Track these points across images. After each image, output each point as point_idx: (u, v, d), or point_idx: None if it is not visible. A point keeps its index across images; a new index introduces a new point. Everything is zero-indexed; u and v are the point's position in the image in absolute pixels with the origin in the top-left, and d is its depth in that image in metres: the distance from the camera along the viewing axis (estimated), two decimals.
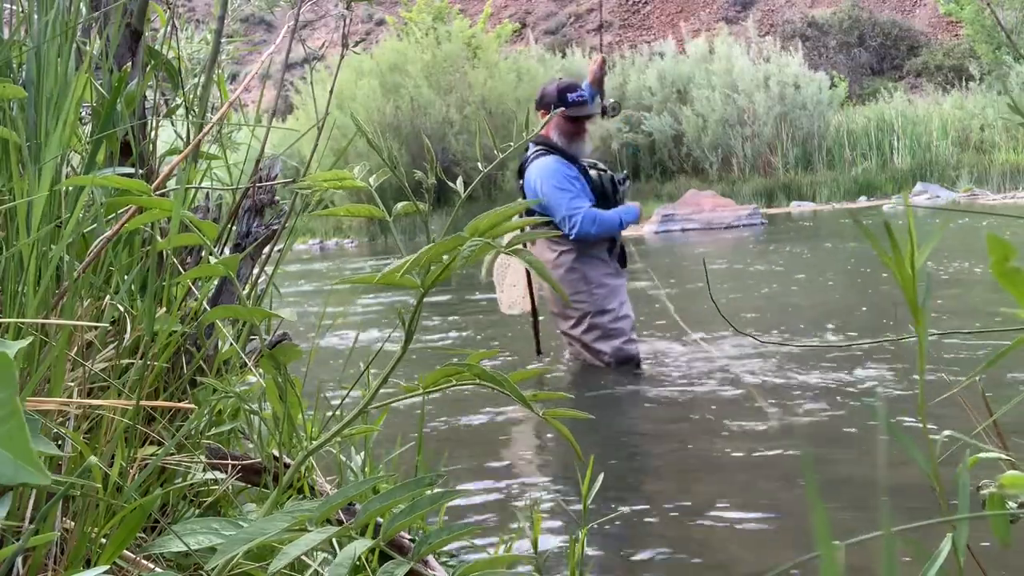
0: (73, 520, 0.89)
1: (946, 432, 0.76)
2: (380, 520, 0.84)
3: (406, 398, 0.90)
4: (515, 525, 1.86)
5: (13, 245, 0.93)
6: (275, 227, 1.30)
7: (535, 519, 1.28)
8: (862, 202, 14.28)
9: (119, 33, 1.29)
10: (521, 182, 3.71)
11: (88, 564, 0.87)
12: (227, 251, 1.29)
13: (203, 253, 1.12)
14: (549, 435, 2.71)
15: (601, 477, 1.30)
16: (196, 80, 1.52)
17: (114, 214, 1.12)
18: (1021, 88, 15.61)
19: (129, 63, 1.32)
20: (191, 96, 1.41)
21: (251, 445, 1.30)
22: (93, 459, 0.76)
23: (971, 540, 0.71)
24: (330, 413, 1.25)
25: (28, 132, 1.02)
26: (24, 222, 0.92)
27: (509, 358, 3.94)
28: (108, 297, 1.11)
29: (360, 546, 0.78)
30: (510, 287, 3.82)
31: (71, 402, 0.90)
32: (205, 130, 1.16)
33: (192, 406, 1.04)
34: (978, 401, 0.90)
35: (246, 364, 1.12)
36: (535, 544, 1.28)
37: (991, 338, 3.43)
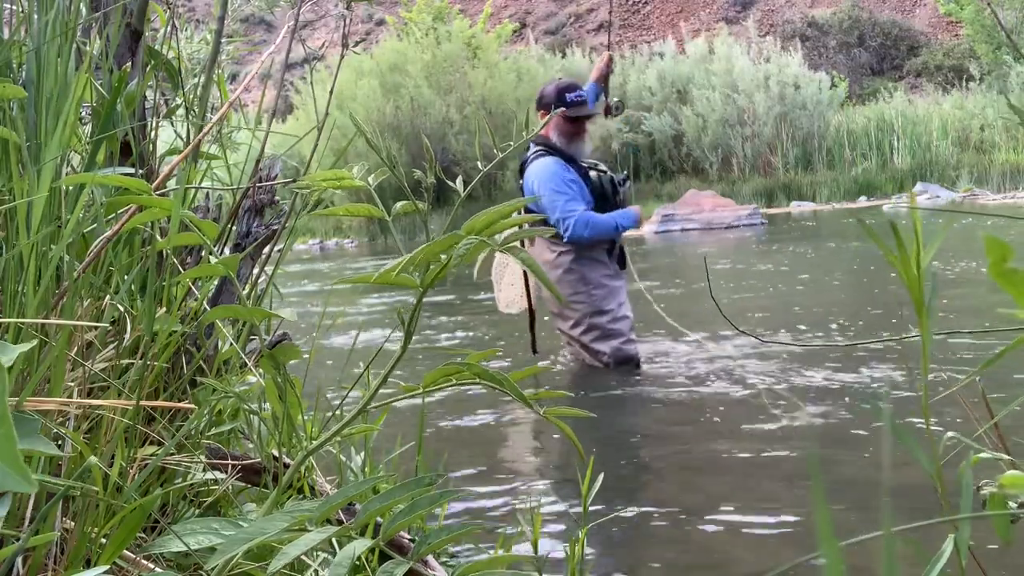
0: (73, 520, 0.89)
1: (950, 433, 0.76)
2: (380, 520, 0.84)
3: (406, 397, 0.90)
4: (515, 526, 1.86)
5: (13, 245, 0.93)
6: (275, 227, 1.30)
7: (535, 519, 1.28)
8: (862, 202, 14.28)
9: (119, 33, 1.29)
10: (521, 182, 3.71)
11: (88, 564, 0.87)
12: (227, 251, 1.29)
13: (203, 253, 1.12)
14: (549, 436, 2.71)
15: (601, 477, 1.30)
16: (196, 80, 1.52)
17: (114, 214, 1.12)
18: (1021, 88, 15.61)
19: (129, 63, 1.32)
20: (191, 96, 1.41)
21: (251, 445, 1.30)
22: (93, 459, 0.76)
23: (971, 540, 0.71)
24: (330, 413, 1.25)
25: (28, 132, 1.02)
26: (24, 222, 0.92)
27: (507, 358, 3.94)
28: (108, 297, 1.11)
29: (359, 546, 0.78)
30: (508, 286, 3.82)
31: (71, 402, 0.90)
32: (205, 130, 1.16)
33: (192, 406, 1.04)
34: (981, 401, 0.90)
35: (246, 364, 1.12)
36: (535, 544, 1.28)
37: (995, 338, 3.43)
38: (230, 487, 1.13)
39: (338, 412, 1.13)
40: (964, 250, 6.55)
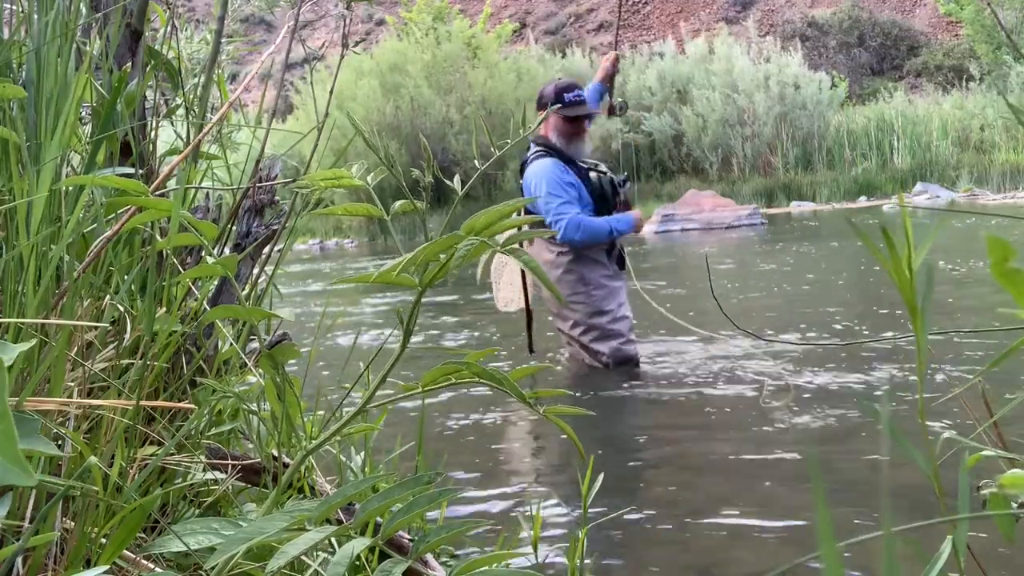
0: (73, 520, 0.89)
1: (946, 434, 0.76)
2: (380, 519, 0.84)
3: (405, 397, 0.90)
4: (515, 525, 1.86)
5: (13, 245, 0.93)
6: (275, 227, 1.30)
7: (535, 519, 1.28)
8: (862, 202, 14.28)
9: (119, 33, 1.30)
10: (521, 182, 3.71)
11: (88, 564, 0.87)
12: (227, 251, 1.29)
13: (203, 253, 1.12)
14: (549, 436, 2.71)
15: (601, 477, 1.30)
16: (196, 80, 1.52)
17: (114, 214, 1.12)
18: (1021, 88, 15.61)
19: (129, 63, 1.32)
20: (191, 96, 1.41)
21: (251, 445, 1.30)
22: (93, 459, 0.76)
23: (971, 540, 0.71)
24: (330, 413, 1.25)
25: (28, 132, 1.02)
26: (24, 222, 0.92)
27: (510, 358, 3.93)
28: (108, 297, 1.11)
29: (359, 545, 0.78)
30: (507, 285, 3.82)
31: (71, 402, 0.90)
32: (205, 130, 1.16)
33: (192, 406, 1.04)
34: (984, 401, 0.90)
35: (246, 364, 1.12)
36: (535, 544, 1.28)
37: (998, 337, 3.43)
38: (230, 487, 1.13)
39: (338, 412, 1.13)
40: (972, 250, 6.55)
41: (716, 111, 16.06)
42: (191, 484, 1.10)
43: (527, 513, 1.97)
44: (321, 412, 1.47)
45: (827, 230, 10.38)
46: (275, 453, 1.09)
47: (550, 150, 3.57)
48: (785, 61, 16.35)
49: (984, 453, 0.72)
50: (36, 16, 1.08)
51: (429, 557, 1.12)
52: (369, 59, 16.41)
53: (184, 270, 1.19)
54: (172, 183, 1.09)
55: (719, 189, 14.14)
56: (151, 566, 0.91)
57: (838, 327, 4.12)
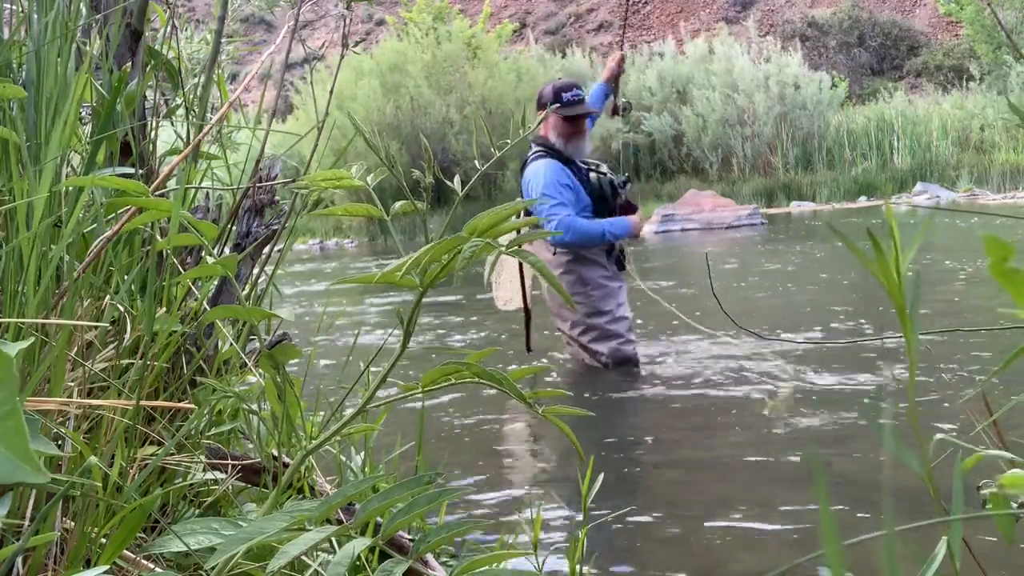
0: (73, 520, 0.89)
1: (939, 435, 0.76)
2: (380, 519, 0.84)
3: (406, 397, 0.90)
4: (515, 525, 1.86)
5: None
6: (275, 227, 1.30)
7: (535, 519, 1.28)
8: (862, 202, 14.28)
9: (119, 33, 1.30)
10: (521, 181, 3.71)
11: (88, 564, 0.87)
12: (227, 251, 1.29)
13: (203, 253, 1.12)
14: (548, 436, 2.71)
15: (601, 477, 1.30)
16: (196, 80, 1.52)
17: (114, 214, 1.12)
18: (1021, 88, 15.61)
19: (129, 63, 1.32)
20: (191, 96, 1.41)
21: (251, 445, 1.30)
22: (93, 459, 0.76)
23: (971, 540, 0.71)
24: (330, 413, 1.25)
25: (28, 132, 1.02)
26: (24, 222, 0.92)
27: (514, 359, 3.93)
28: (108, 297, 1.11)
29: (359, 545, 0.78)
30: (506, 283, 3.82)
31: (71, 402, 0.90)
32: (205, 130, 1.16)
33: (192, 406, 1.04)
34: (988, 401, 0.90)
35: (246, 364, 1.13)
36: (535, 544, 1.28)
37: (1001, 336, 3.43)
38: (230, 487, 1.13)
39: (338, 412, 1.13)
40: (978, 249, 6.54)
41: (716, 111, 16.06)
42: (191, 484, 1.10)
43: (527, 513, 1.97)
44: (322, 412, 1.47)
45: (827, 230, 10.38)
46: (275, 453, 1.09)
47: (549, 150, 3.57)
48: (785, 61, 16.34)
49: (981, 454, 0.72)
50: (36, 16, 1.08)
51: (429, 557, 1.12)
52: (369, 59, 16.41)
53: (184, 270, 1.19)
54: (172, 183, 1.09)
55: (719, 189, 14.13)
56: (151, 566, 0.91)
57: (840, 326, 4.12)
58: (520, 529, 1.77)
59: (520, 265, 3.60)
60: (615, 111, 3.99)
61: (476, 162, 0.88)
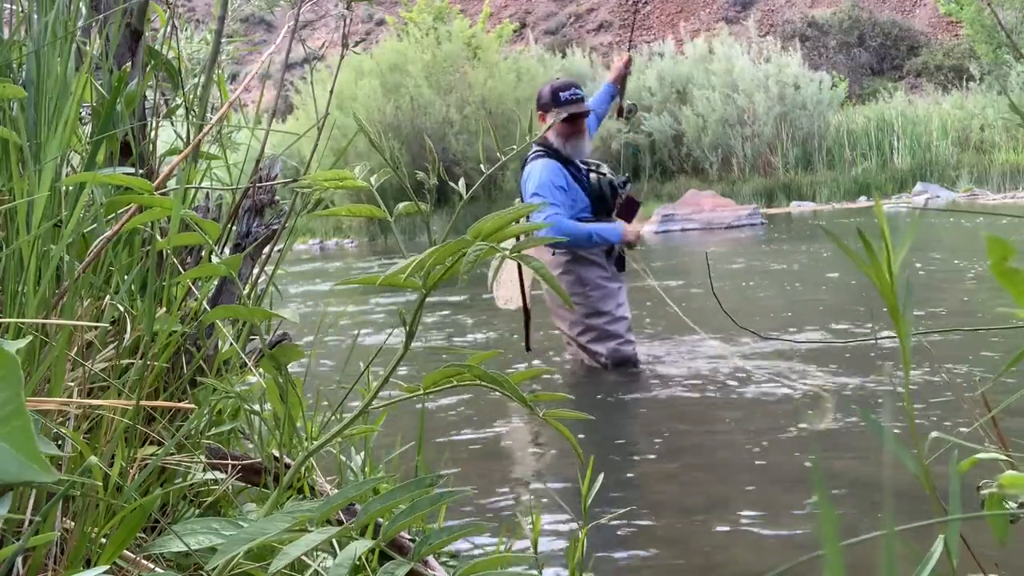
0: (73, 520, 0.89)
1: (934, 434, 0.76)
2: (380, 520, 0.84)
3: (408, 398, 0.90)
4: (515, 525, 1.86)
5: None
6: (275, 227, 1.30)
7: (535, 520, 1.28)
8: (862, 202, 14.28)
9: (119, 33, 1.29)
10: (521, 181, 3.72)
11: (88, 564, 0.87)
12: (227, 251, 1.29)
13: (203, 253, 1.12)
14: (548, 436, 2.71)
15: (601, 477, 1.30)
16: (196, 80, 1.52)
17: (114, 214, 1.12)
18: (1021, 88, 15.61)
19: (129, 63, 1.32)
20: (191, 96, 1.41)
21: (251, 445, 1.30)
22: (93, 459, 0.76)
23: (970, 540, 0.71)
24: (331, 413, 1.25)
25: (28, 132, 1.02)
26: (24, 222, 0.92)
27: (518, 360, 3.93)
28: (108, 297, 1.11)
29: (360, 546, 0.78)
30: (507, 283, 3.82)
31: (71, 402, 0.90)
32: (205, 130, 1.16)
33: (192, 406, 1.04)
34: (988, 401, 0.90)
35: (246, 364, 1.12)
36: (535, 544, 1.28)
37: (1005, 336, 3.43)
38: (230, 487, 1.13)
39: (339, 412, 1.13)
40: (977, 251, 6.55)
41: (716, 111, 16.06)
42: (191, 484, 1.10)
43: (527, 513, 1.97)
44: (323, 412, 1.47)
45: (833, 230, 10.37)
46: (276, 453, 1.09)
47: (548, 150, 3.57)
48: (785, 61, 16.34)
49: (979, 456, 0.72)
50: (36, 16, 1.08)
51: (430, 559, 1.12)
52: (369, 59, 16.41)
53: (184, 270, 1.19)
54: (172, 183, 1.09)
55: (719, 189, 14.13)
56: (151, 566, 0.91)
57: (841, 326, 4.12)
58: (520, 530, 1.77)
59: (519, 265, 3.61)
60: (620, 113, 3.98)
61: (482, 166, 0.88)
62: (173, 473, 1.09)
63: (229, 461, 1.12)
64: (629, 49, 4.07)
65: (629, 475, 2.32)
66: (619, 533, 1.88)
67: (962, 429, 2.31)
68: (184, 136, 1.38)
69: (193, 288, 1.24)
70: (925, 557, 0.62)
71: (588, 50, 20.60)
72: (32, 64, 1.04)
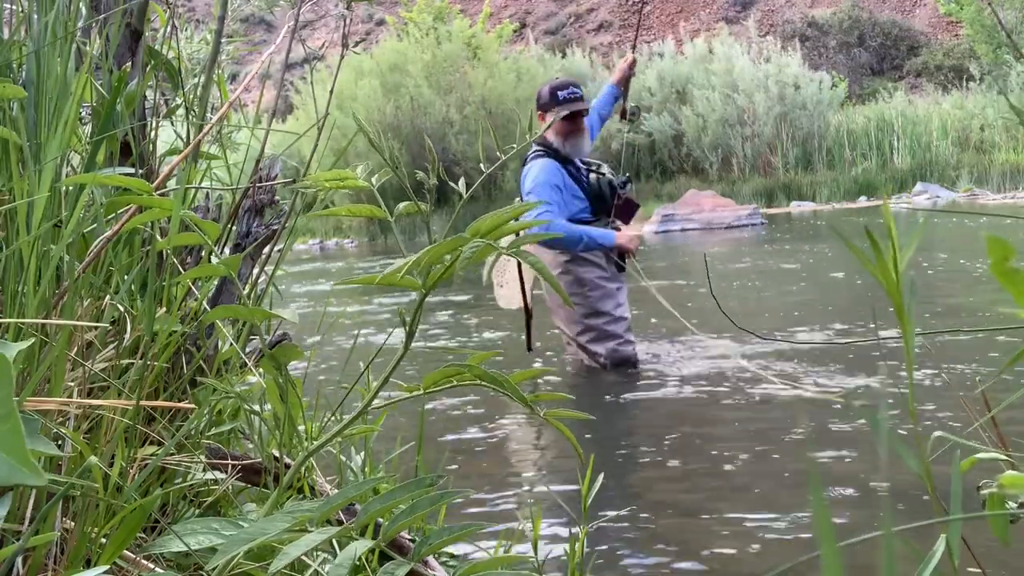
0: (73, 520, 0.89)
1: (937, 433, 0.76)
2: (380, 520, 0.84)
3: (408, 398, 0.90)
4: (515, 525, 1.86)
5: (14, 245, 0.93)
6: (275, 227, 1.30)
7: (535, 519, 1.28)
8: (862, 202, 14.28)
9: (119, 33, 1.29)
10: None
11: (88, 564, 0.87)
12: (227, 251, 1.29)
13: (203, 253, 1.12)
14: (548, 436, 2.71)
15: (601, 477, 1.30)
16: (196, 80, 1.52)
17: (114, 214, 1.12)
18: (1021, 88, 15.61)
19: (129, 63, 1.32)
20: (191, 96, 1.41)
21: (251, 445, 1.30)
22: (93, 459, 0.76)
23: (971, 540, 0.71)
24: (331, 413, 1.25)
25: (28, 132, 1.02)
26: (24, 222, 0.92)
27: (507, 357, 3.93)
28: (108, 297, 1.11)
29: (360, 546, 0.78)
30: (509, 283, 3.82)
31: (71, 402, 0.90)
32: (205, 130, 1.16)
33: (192, 406, 1.04)
34: (991, 400, 0.90)
35: (246, 364, 1.12)
36: (535, 544, 1.28)
37: (1008, 336, 3.43)
38: (230, 487, 1.13)
39: (339, 412, 1.13)
40: (980, 251, 6.55)
41: (716, 111, 16.06)
42: (191, 484, 1.10)
43: (527, 513, 1.97)
44: (320, 412, 1.47)
45: (827, 230, 10.38)
46: (276, 453, 1.09)
47: (547, 150, 3.57)
48: (785, 61, 16.34)
49: (980, 456, 0.72)
50: (36, 16, 1.08)
51: (430, 559, 1.12)
52: (369, 59, 16.40)
53: (184, 270, 1.19)
54: (172, 183, 1.09)
55: (719, 189, 14.13)
56: (151, 566, 0.91)
57: (841, 326, 4.12)
58: (520, 530, 1.77)
59: (519, 265, 3.60)
60: (624, 115, 3.97)
61: (481, 165, 0.88)
62: (173, 473, 1.09)
63: (229, 461, 1.12)
64: (633, 51, 4.07)
65: (629, 475, 2.32)
66: (619, 533, 1.88)
67: (964, 429, 2.31)
68: (184, 136, 1.38)
69: (193, 288, 1.24)
70: (927, 557, 0.62)
71: (588, 50, 20.60)
72: (32, 64, 1.04)
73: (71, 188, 1.07)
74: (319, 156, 1.41)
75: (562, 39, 26.45)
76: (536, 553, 1.27)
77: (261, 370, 1.02)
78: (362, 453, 1.60)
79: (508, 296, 3.82)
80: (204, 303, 1.18)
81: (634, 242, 3.54)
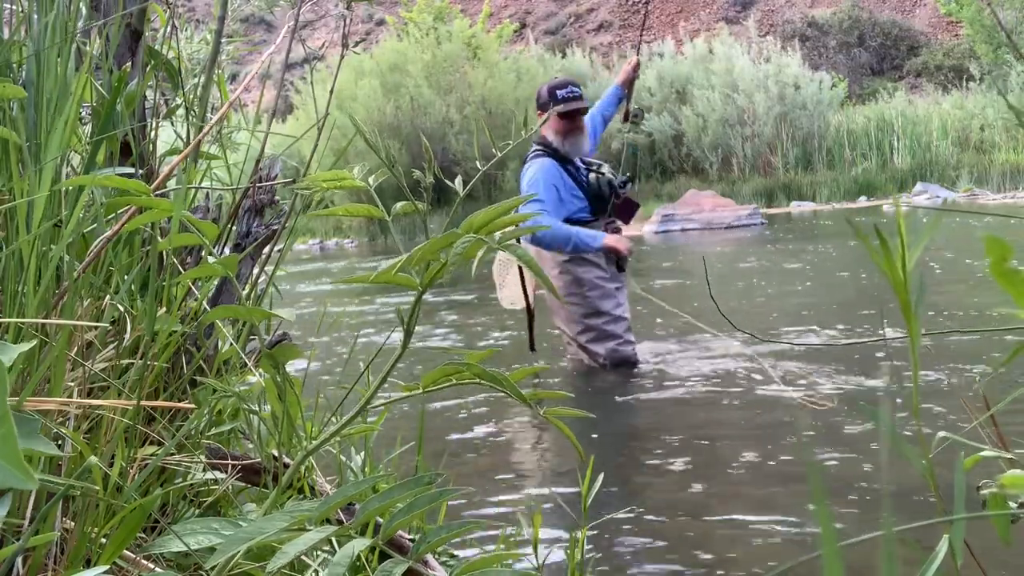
0: (73, 520, 0.89)
1: (941, 433, 0.76)
2: (380, 519, 0.84)
3: (408, 397, 0.90)
4: (515, 525, 1.86)
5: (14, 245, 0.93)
6: (275, 227, 1.30)
7: (535, 519, 1.28)
8: (862, 202, 14.28)
9: (119, 33, 1.30)
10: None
11: (88, 564, 0.87)
12: (227, 251, 1.29)
13: (203, 253, 1.12)
14: (549, 436, 2.71)
15: (601, 477, 1.30)
16: (196, 80, 1.52)
17: (114, 214, 1.12)
18: (1021, 88, 15.60)
19: (129, 63, 1.32)
20: (191, 96, 1.41)
21: (251, 445, 1.30)
22: (93, 459, 0.76)
23: (971, 540, 0.71)
24: (330, 413, 1.25)
25: (28, 132, 1.02)
26: (24, 222, 0.92)
27: (508, 357, 3.93)
28: (108, 297, 1.11)
29: (359, 545, 0.78)
30: (512, 283, 3.83)
31: (71, 402, 0.90)
32: (205, 130, 1.16)
33: (192, 406, 1.04)
34: (988, 401, 0.90)
35: (246, 364, 1.13)
36: (535, 544, 1.28)
37: (1012, 335, 3.43)
38: (230, 487, 1.13)
39: (338, 412, 1.13)
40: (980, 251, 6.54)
41: (716, 111, 16.06)
42: (191, 484, 1.10)
43: (527, 513, 1.97)
44: (319, 411, 1.47)
45: (827, 230, 10.38)
46: (275, 453, 1.09)
47: (547, 149, 3.57)
48: (785, 61, 16.34)
49: (983, 454, 0.72)
50: (36, 16, 1.08)
51: (429, 557, 1.12)
52: (369, 59, 16.41)
53: (184, 270, 1.19)
54: (172, 183, 1.09)
55: (719, 189, 14.13)
56: (151, 566, 0.91)
57: (842, 326, 4.12)
58: (520, 528, 1.77)
59: (520, 266, 3.61)
60: (627, 116, 3.97)
61: (477, 163, 0.88)
62: (173, 473, 1.09)
63: (229, 461, 1.12)
64: (638, 52, 4.06)
65: (629, 475, 2.32)
66: (619, 532, 1.88)
67: (956, 423, 2.31)
68: (184, 136, 1.38)
69: (193, 288, 1.24)
70: (930, 557, 0.62)
71: (588, 50, 20.59)
72: (32, 64, 1.04)
73: (71, 188, 1.07)
74: (319, 156, 1.41)
75: (562, 39, 26.45)
76: (536, 552, 1.27)
77: (261, 370, 1.02)
78: (362, 453, 1.60)
79: (511, 296, 3.83)
80: (204, 303, 1.18)
81: (623, 243, 3.52)
